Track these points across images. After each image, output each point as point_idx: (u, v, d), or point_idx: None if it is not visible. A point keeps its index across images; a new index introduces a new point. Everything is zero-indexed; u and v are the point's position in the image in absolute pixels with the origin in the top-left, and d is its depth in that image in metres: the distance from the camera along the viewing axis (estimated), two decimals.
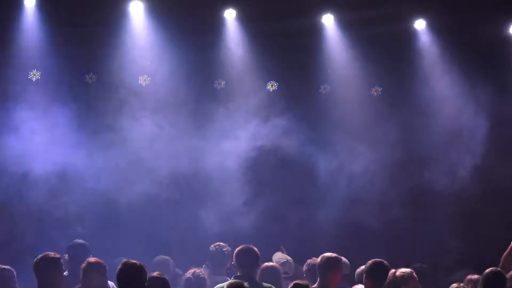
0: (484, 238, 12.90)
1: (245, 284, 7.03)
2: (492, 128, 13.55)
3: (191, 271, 8.78)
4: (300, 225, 13.35)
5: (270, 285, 8.55)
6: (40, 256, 8.42)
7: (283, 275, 9.05)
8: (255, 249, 8.79)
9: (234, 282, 7.45)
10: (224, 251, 9.52)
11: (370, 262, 8.43)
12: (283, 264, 9.42)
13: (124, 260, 7.28)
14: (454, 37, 13.63)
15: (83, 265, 8.64)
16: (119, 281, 7.03)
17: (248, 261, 8.63)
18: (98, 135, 13.47)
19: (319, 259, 8.68)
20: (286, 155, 13.76)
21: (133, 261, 7.20)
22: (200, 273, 8.73)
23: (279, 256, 9.51)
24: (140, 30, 13.02)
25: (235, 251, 8.79)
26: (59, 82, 13.39)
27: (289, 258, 9.66)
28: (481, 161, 13.51)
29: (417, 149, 13.96)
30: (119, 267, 7.09)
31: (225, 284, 7.59)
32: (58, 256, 8.42)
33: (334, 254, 8.75)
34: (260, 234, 12.09)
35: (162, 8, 12.75)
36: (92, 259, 8.71)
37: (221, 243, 9.82)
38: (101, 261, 8.68)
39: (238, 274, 8.60)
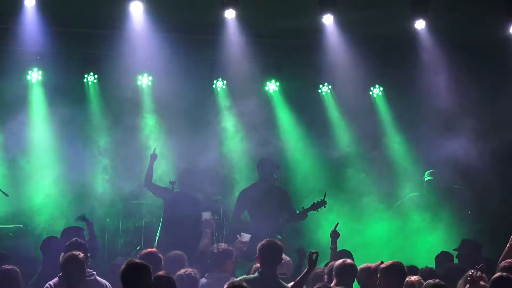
0: None
1: (244, 283, 7.05)
2: None
3: (183, 270, 8.75)
4: None
5: (290, 286, 8.50)
6: (66, 255, 8.48)
7: (281, 276, 8.98)
8: (279, 243, 8.61)
9: (234, 281, 7.45)
10: (220, 249, 9.42)
11: (389, 262, 8.33)
12: (281, 264, 9.34)
13: (129, 259, 7.26)
14: (454, 37, 13.62)
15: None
16: (124, 281, 6.99)
17: (269, 258, 8.47)
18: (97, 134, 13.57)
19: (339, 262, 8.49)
20: None
21: (137, 260, 7.15)
22: (192, 273, 8.67)
23: None
24: (140, 31, 13.02)
25: (259, 245, 8.60)
26: (58, 82, 13.44)
27: (287, 258, 9.58)
28: None
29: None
30: (123, 266, 7.04)
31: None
32: (82, 255, 8.49)
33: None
34: None
35: (162, 8, 12.74)
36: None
37: (221, 244, 9.74)
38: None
39: (259, 270, 8.53)
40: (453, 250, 10.75)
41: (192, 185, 12.21)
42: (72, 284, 8.44)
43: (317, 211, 12.40)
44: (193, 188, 12.20)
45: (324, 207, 12.38)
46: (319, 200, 12.33)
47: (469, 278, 8.15)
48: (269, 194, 12.27)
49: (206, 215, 11.27)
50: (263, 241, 8.66)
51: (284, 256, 9.54)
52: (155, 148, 12.53)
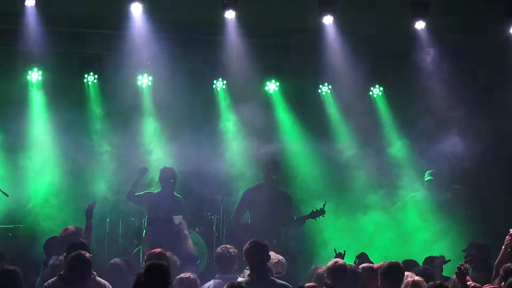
0: None
1: (243, 284, 7.07)
2: None
3: (183, 274, 8.81)
4: None
5: (285, 282, 8.55)
6: (73, 254, 8.51)
7: (276, 275, 9.00)
8: (263, 243, 8.61)
9: (234, 282, 7.47)
10: (231, 252, 9.40)
11: (387, 263, 8.34)
12: (276, 264, 9.34)
13: (150, 261, 7.29)
14: (454, 37, 13.63)
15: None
16: (146, 281, 7.02)
17: (256, 258, 8.49)
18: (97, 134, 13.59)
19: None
20: None
21: (159, 261, 7.19)
22: (191, 276, 8.72)
23: (271, 256, 9.42)
24: (140, 31, 13.03)
25: (244, 248, 8.63)
26: (58, 82, 13.45)
27: (281, 257, 9.58)
28: None
29: None
30: (148, 266, 7.07)
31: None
32: (88, 255, 8.53)
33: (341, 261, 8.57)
34: None
35: (162, 8, 12.76)
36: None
37: (227, 245, 9.72)
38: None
39: (250, 272, 8.55)
40: (462, 251, 10.74)
41: (168, 182, 12.23)
42: (77, 283, 8.44)
43: (315, 219, 12.39)
44: (170, 186, 12.22)
45: (323, 216, 12.35)
46: (318, 209, 12.32)
47: (457, 270, 8.18)
48: (274, 198, 12.26)
49: (178, 219, 11.72)
50: (246, 244, 8.68)
51: (277, 255, 9.59)
52: (146, 167, 12.59)
